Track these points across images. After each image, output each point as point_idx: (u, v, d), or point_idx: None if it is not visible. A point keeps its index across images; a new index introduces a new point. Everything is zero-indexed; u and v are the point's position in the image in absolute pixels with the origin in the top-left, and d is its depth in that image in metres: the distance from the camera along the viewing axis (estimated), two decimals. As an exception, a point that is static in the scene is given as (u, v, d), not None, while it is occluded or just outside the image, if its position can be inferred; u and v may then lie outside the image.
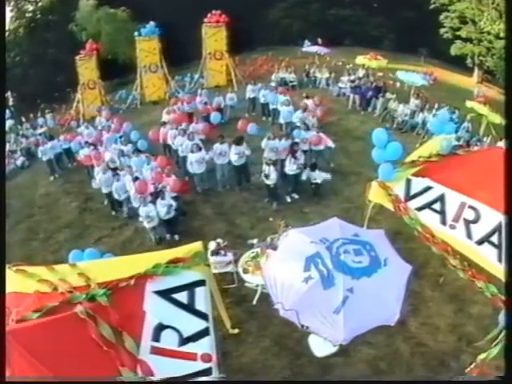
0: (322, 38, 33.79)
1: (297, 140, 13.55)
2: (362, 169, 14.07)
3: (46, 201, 16.42)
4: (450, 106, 19.44)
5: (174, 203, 11.69)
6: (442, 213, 8.89)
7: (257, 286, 9.37)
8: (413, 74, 21.24)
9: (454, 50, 32.55)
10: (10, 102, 36.00)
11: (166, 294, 6.30)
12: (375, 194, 9.75)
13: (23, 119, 25.32)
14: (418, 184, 9.46)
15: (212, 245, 10.03)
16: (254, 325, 9.16)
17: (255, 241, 10.37)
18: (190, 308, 6.32)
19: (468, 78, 34.45)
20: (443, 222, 8.76)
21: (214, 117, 15.80)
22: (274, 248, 9.30)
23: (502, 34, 27.49)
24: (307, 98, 17.87)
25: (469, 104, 18.92)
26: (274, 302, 6.77)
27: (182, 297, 6.37)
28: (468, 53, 32.37)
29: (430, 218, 8.90)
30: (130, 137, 16.02)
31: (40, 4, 40.97)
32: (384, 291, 6.60)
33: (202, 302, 6.44)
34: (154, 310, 6.08)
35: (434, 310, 9.59)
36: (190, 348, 5.92)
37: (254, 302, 9.42)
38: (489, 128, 18.18)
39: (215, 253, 9.90)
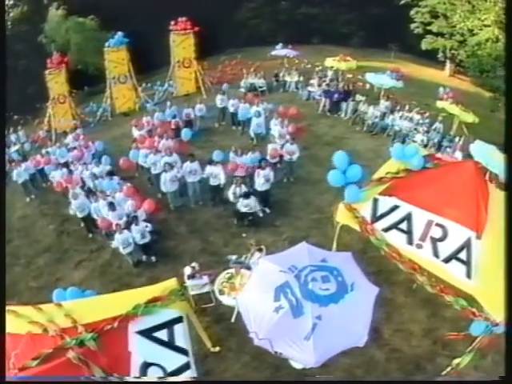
0: (290, 37, 33.86)
1: (264, 156, 13.80)
2: None
3: (24, 223, 16.31)
4: (419, 106, 19.63)
5: (148, 225, 11.92)
6: (409, 232, 8.90)
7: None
8: (382, 76, 21.33)
9: (425, 44, 32.66)
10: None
11: (147, 334, 6.67)
12: (342, 216, 9.71)
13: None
14: (385, 203, 9.46)
15: (187, 270, 10.34)
16: (234, 342, 9.43)
17: (233, 257, 10.71)
18: (170, 345, 6.68)
19: (440, 71, 34.69)
20: (410, 242, 8.77)
21: (185, 133, 15.93)
22: (249, 268, 9.69)
23: (475, 31, 27.80)
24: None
25: (439, 104, 18.94)
26: (249, 331, 7.11)
27: (163, 334, 6.74)
28: (439, 47, 32.53)
29: (396, 239, 8.89)
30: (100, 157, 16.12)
31: (11, 15, 40.32)
32: (351, 316, 6.92)
33: (181, 338, 6.82)
34: (139, 349, 6.45)
35: (408, 316, 9.94)
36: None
37: (233, 320, 9.64)
38: (461, 128, 18.27)
39: (191, 276, 10.18)
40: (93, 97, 30.26)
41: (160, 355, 6.50)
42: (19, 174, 17.21)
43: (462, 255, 8.27)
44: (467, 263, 8.14)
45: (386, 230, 9.06)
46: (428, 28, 32.30)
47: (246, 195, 12.58)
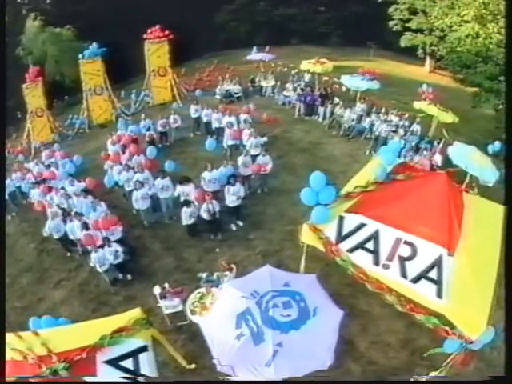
0: (269, 38, 34.10)
1: (236, 170, 13.92)
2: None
3: (7, 242, 16.43)
4: (398, 106, 19.66)
5: (120, 249, 11.98)
6: (376, 252, 8.63)
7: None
8: (357, 79, 21.08)
9: (405, 41, 32.87)
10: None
11: (114, 363, 6.97)
12: (307, 237, 9.48)
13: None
14: (351, 222, 9.20)
15: (156, 290, 10.48)
16: (209, 359, 9.49)
17: (204, 275, 10.78)
18: (135, 373, 6.96)
19: (420, 67, 34.81)
20: (376, 263, 8.49)
21: (150, 151, 15.77)
22: (217, 286, 9.87)
23: (454, 27, 27.88)
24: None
25: (417, 105, 18.35)
26: (213, 357, 7.26)
27: (128, 363, 7.03)
28: (419, 43, 32.65)
29: (362, 259, 8.63)
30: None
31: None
32: (313, 342, 7.00)
33: (146, 366, 7.08)
34: (107, 378, 6.81)
35: (384, 328, 9.98)
36: None
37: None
38: (440, 129, 18.08)
39: (163, 296, 10.33)
40: (72, 107, 30.10)
41: None
42: None
43: (433, 274, 8.06)
44: (438, 282, 7.92)
45: (352, 250, 8.82)
46: (407, 25, 32.45)
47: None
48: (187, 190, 13.40)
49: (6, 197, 17.24)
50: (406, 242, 8.57)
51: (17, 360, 6.86)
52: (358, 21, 37.22)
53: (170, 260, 12.87)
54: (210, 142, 15.78)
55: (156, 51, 25.16)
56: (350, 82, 21.34)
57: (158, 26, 25.06)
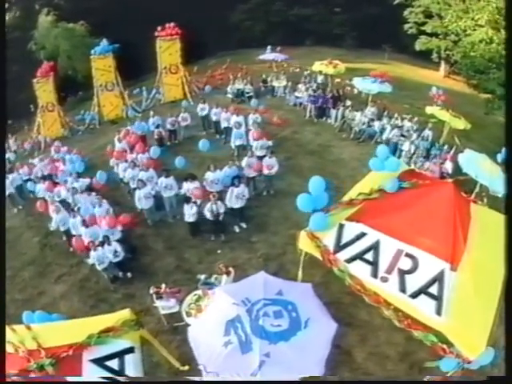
0: (283, 38, 33.86)
1: (238, 173, 13.69)
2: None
3: (11, 235, 16.27)
4: (411, 110, 19.26)
5: (119, 248, 11.94)
6: (375, 263, 8.32)
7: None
8: (369, 81, 20.67)
9: (419, 45, 32.35)
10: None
11: (99, 362, 6.99)
12: (304, 244, 9.19)
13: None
14: (351, 230, 8.89)
15: (152, 289, 10.44)
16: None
17: (202, 277, 10.66)
18: (120, 374, 6.95)
19: (434, 72, 34.32)
20: (374, 275, 8.19)
21: (154, 151, 15.68)
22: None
23: (468, 31, 27.46)
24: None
25: (429, 110, 17.71)
26: (198, 363, 7.11)
27: (114, 364, 7.04)
28: (434, 47, 32.09)
29: (360, 270, 8.33)
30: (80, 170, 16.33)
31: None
32: (302, 354, 6.79)
33: (131, 367, 7.07)
34: (91, 376, 6.84)
35: (384, 339, 9.66)
36: None
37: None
38: (452, 135, 17.50)
39: (159, 297, 10.27)
40: (84, 103, 30.17)
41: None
42: (6, 185, 17.30)
43: (433, 289, 7.73)
44: (438, 298, 7.60)
45: (350, 260, 8.52)
46: (422, 28, 31.99)
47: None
48: (192, 188, 13.26)
49: (13, 190, 17.42)
50: (407, 255, 8.26)
51: (9, 352, 7.01)
52: (374, 23, 36.81)
53: (170, 260, 12.78)
54: (203, 143, 15.53)
55: (168, 48, 25.16)
56: (361, 84, 20.99)
57: (170, 24, 25.10)
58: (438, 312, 7.48)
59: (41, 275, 13.69)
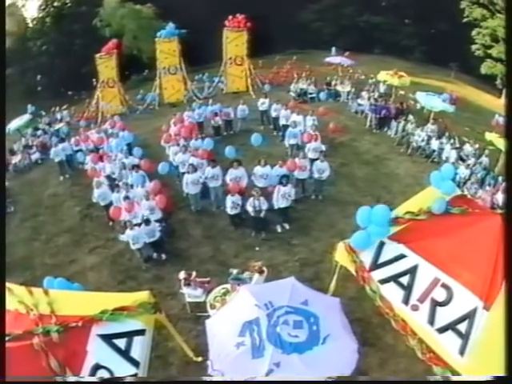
0: (351, 44, 33.38)
1: (287, 172, 13.26)
2: (364, 199, 13.74)
3: (53, 202, 16.89)
4: (471, 134, 18.46)
5: (157, 228, 11.89)
6: (408, 289, 7.90)
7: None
8: (433, 98, 19.99)
9: (485, 68, 31.44)
10: (38, 88, 36.76)
11: (107, 339, 6.96)
12: (341, 256, 8.89)
13: (43, 113, 25.72)
14: (391, 250, 8.43)
15: (181, 275, 10.32)
16: None
17: (234, 271, 10.43)
18: (125, 354, 6.94)
19: (497, 98, 32.73)
20: (405, 301, 7.81)
21: (207, 143, 15.51)
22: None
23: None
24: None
25: (488, 136, 16.68)
26: (208, 358, 6.99)
27: (121, 343, 7.00)
28: (498, 73, 31.03)
29: (392, 294, 7.98)
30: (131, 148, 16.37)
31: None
32: (313, 371, 6.41)
33: (137, 349, 7.03)
34: (95, 351, 6.80)
35: (403, 367, 9.03)
36: None
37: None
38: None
39: (187, 283, 10.16)
40: (147, 83, 30.24)
41: (113, 361, 6.82)
42: (56, 152, 17.83)
43: (462, 327, 7.18)
44: (465, 337, 7.07)
45: (384, 281, 8.15)
46: (489, 51, 30.99)
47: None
48: (239, 174, 13.16)
49: (63, 158, 17.92)
50: (443, 285, 7.70)
51: (20, 312, 7.04)
52: (443, 39, 35.85)
53: (207, 249, 12.65)
54: (255, 137, 15.32)
55: (234, 40, 25.24)
56: (425, 100, 20.28)
57: (239, 16, 25.08)
58: (462, 352, 6.99)
59: (75, 244, 13.93)
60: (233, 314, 7.47)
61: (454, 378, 6.91)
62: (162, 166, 14.19)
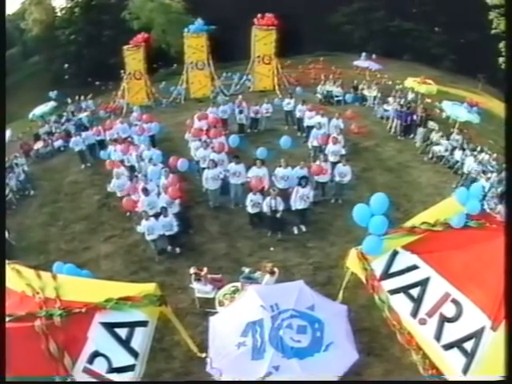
0: (381, 48, 33.12)
1: (306, 174, 13.14)
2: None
3: (73, 189, 17.10)
4: (495, 148, 17.78)
5: (175, 223, 11.90)
6: (418, 301, 7.61)
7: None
8: (459, 107, 19.68)
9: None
10: (65, 77, 37.21)
11: (109, 327, 7.00)
12: (352, 263, 8.62)
13: (69, 100, 25.87)
14: (404, 260, 8.09)
15: (192, 269, 10.33)
16: None
17: (247, 270, 10.42)
18: (125, 344, 7.00)
19: None
20: (414, 314, 7.54)
21: (233, 139, 15.34)
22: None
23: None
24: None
25: None
26: (207, 355, 7.06)
27: (122, 332, 7.06)
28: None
29: (401, 305, 7.72)
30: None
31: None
32: (311, 377, 6.39)
33: (138, 340, 7.10)
34: (96, 338, 6.85)
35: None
36: (114, 377, 6.82)
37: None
38: None
39: (197, 279, 10.19)
40: (175, 76, 30.15)
41: (112, 350, 6.88)
42: (76, 142, 18.17)
43: (468, 345, 6.87)
44: (470, 356, 6.78)
45: (394, 291, 7.86)
46: None
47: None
48: (260, 173, 13.09)
49: (85, 147, 18.26)
50: (453, 300, 7.35)
51: (26, 295, 7.09)
52: (473, 49, 35.31)
53: (222, 245, 12.66)
54: (285, 140, 15.04)
55: (263, 38, 25.16)
56: (451, 109, 20.02)
57: (269, 14, 24.97)
58: (465, 370, 6.74)
59: (91, 232, 14.11)
60: (237, 313, 7.50)
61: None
62: (182, 162, 14.02)
